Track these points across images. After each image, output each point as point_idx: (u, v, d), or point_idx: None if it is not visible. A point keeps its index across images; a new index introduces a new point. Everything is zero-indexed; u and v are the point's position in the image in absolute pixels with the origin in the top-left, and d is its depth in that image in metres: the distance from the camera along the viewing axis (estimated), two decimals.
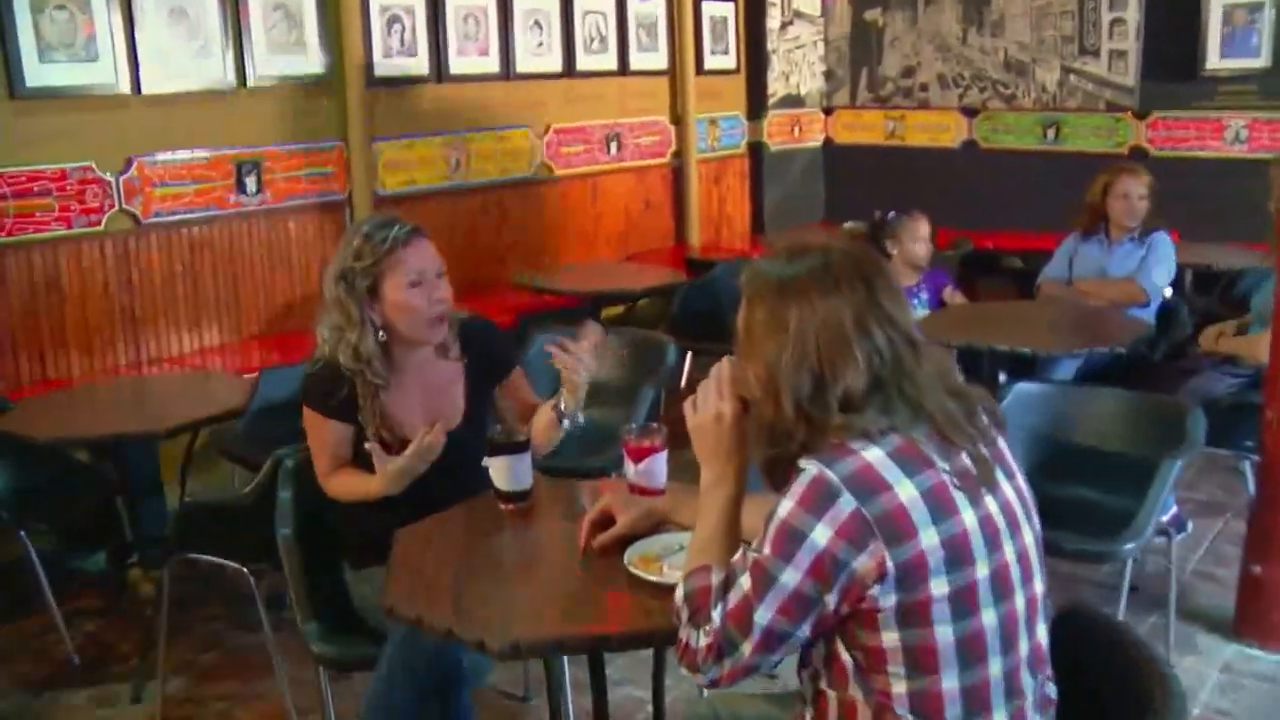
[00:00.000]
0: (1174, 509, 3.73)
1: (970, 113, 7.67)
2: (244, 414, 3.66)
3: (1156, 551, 3.73)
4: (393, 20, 5.55)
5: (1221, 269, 5.72)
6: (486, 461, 2.39)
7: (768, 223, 7.91)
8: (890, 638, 1.57)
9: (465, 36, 5.90)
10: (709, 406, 1.80)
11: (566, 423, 2.62)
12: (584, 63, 6.59)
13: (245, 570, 3.03)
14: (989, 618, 1.58)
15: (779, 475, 1.66)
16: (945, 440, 1.62)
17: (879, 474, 1.55)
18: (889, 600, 1.55)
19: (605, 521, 2.16)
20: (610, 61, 6.78)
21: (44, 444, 3.45)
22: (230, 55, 4.92)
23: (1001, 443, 1.73)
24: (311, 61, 5.22)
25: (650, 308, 6.25)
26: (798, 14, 7.93)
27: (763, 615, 1.59)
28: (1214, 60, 6.62)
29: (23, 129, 4.35)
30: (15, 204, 4.34)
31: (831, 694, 1.65)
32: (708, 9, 7.37)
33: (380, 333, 2.61)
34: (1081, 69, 7.18)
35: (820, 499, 1.55)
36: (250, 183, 5.04)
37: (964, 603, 1.56)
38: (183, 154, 4.83)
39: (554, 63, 6.42)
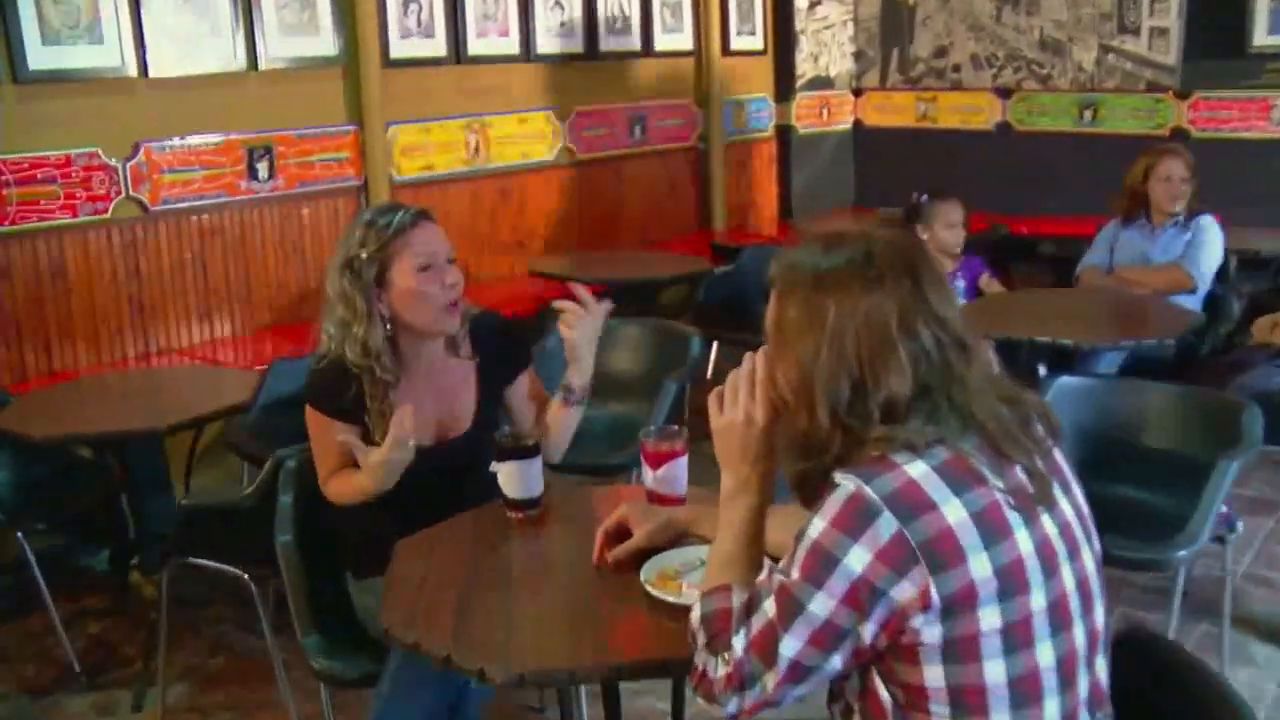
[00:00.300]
0: (1223, 508, 3.53)
1: (1004, 94, 7.45)
2: (250, 409, 3.51)
3: (1205, 554, 3.53)
4: (409, 0, 5.39)
5: (1269, 255, 5.50)
6: (494, 466, 2.24)
7: (795, 208, 7.72)
8: (934, 674, 1.40)
9: (484, 16, 5.73)
10: (739, 407, 1.63)
11: (576, 405, 2.55)
12: (607, 43, 6.42)
13: (245, 576, 2.88)
14: (1045, 654, 1.41)
15: (810, 490, 1.50)
16: (998, 453, 1.45)
17: (924, 492, 1.38)
18: (933, 633, 1.38)
19: (621, 533, 2.00)
20: (634, 42, 6.61)
21: (40, 442, 3.32)
22: (241, 36, 4.77)
23: (1058, 454, 1.55)
24: (325, 42, 5.07)
25: (674, 295, 6.09)
26: None
27: (789, 646, 1.43)
28: (1261, 37, 6.37)
29: (25, 114, 4.22)
30: (18, 191, 4.20)
31: None
32: None
33: (388, 325, 2.46)
34: (1120, 47, 6.95)
35: (857, 519, 1.38)
36: (262, 168, 4.91)
37: (1017, 637, 1.39)
38: (192, 139, 4.69)
39: (576, 43, 6.25)
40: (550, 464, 2.48)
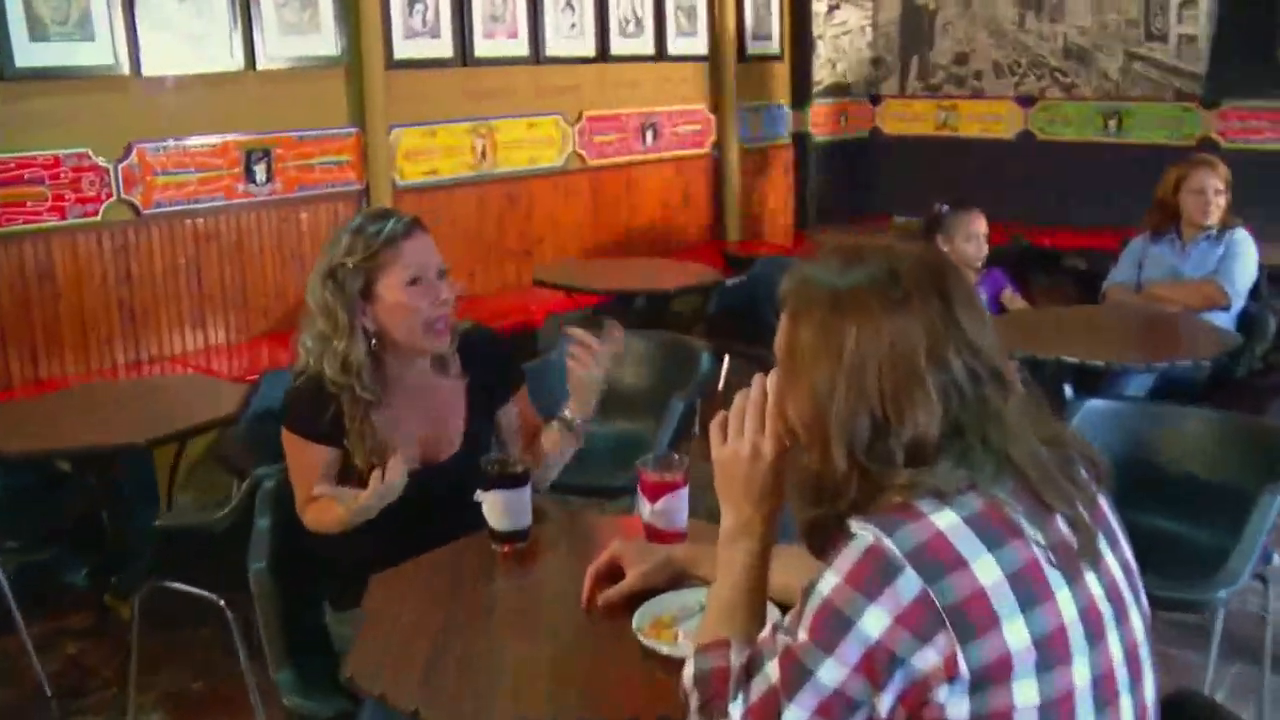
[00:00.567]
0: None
1: (1026, 102, 7.29)
2: (236, 422, 3.35)
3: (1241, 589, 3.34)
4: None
5: None
6: (479, 496, 2.07)
7: (811, 218, 7.55)
8: None
9: (492, 17, 5.58)
10: (745, 438, 1.45)
11: (574, 436, 2.37)
12: (619, 46, 6.26)
13: (222, 603, 2.71)
14: None
15: (821, 539, 1.32)
16: (1037, 501, 1.27)
17: (953, 546, 1.20)
18: (959, 709, 1.20)
19: (613, 572, 1.83)
20: (647, 45, 6.45)
21: (13, 457, 3.16)
22: (239, 34, 4.63)
23: (1103, 501, 1.37)
24: (326, 42, 4.93)
25: (685, 306, 5.92)
26: None
27: (794, 717, 1.25)
28: None
29: (12, 113, 4.08)
30: (4, 193, 4.07)
31: None
32: None
33: (372, 341, 2.29)
34: (1147, 55, 6.76)
35: (875, 576, 1.21)
36: (259, 171, 4.76)
37: (1057, 715, 1.21)
38: (187, 140, 4.55)
39: (587, 46, 6.10)
40: (539, 490, 2.31)
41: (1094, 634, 1.24)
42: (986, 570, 1.20)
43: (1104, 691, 1.24)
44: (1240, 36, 6.34)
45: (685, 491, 1.97)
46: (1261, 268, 4.55)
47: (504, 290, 5.71)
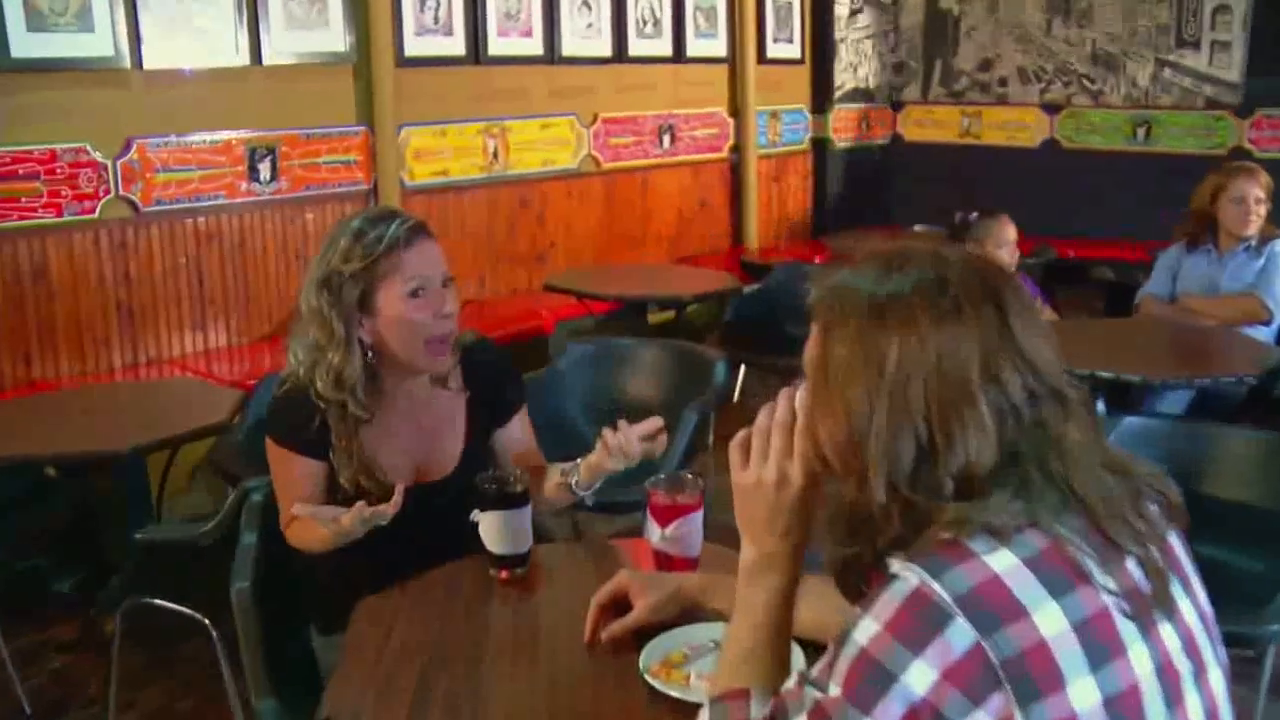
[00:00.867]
0: None
1: (1052, 109, 7.13)
2: (229, 429, 3.21)
3: None
4: None
5: None
6: (475, 516, 1.91)
7: (830, 226, 7.39)
8: None
9: (506, 15, 5.45)
10: (771, 464, 1.29)
11: (569, 493, 2.16)
12: (636, 47, 6.13)
13: (206, 621, 2.56)
14: None
15: (855, 580, 1.16)
16: (1105, 540, 1.10)
17: (1011, 592, 1.04)
18: None
19: (619, 604, 1.67)
20: (665, 47, 6.31)
21: None
22: (244, 28, 4.50)
23: (1174, 539, 1.21)
24: (334, 37, 4.79)
25: (700, 314, 5.77)
26: (867, 0, 7.39)
27: None
28: None
29: (8, 105, 3.96)
30: None
31: None
32: None
33: (369, 355, 2.13)
34: (1178, 62, 6.59)
35: (921, 625, 1.04)
36: (264, 170, 4.63)
37: None
38: (189, 136, 4.42)
39: (603, 46, 5.96)
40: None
41: (1172, 695, 1.08)
42: (1050, 621, 1.03)
43: None
44: (1277, 43, 6.16)
45: (700, 515, 1.81)
46: None
47: (514, 295, 5.56)
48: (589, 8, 5.83)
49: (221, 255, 4.57)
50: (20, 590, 3.47)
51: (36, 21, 3.93)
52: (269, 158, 4.64)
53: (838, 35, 7.23)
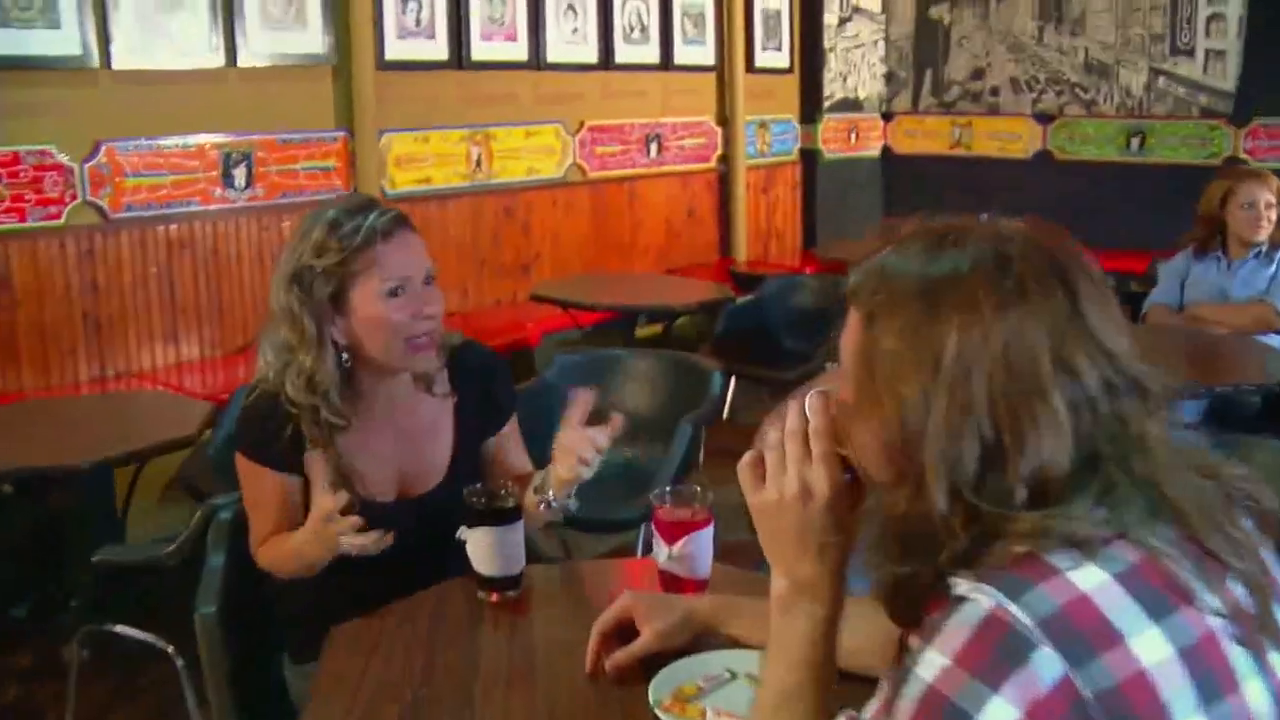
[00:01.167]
0: None
1: (1045, 119, 7.05)
2: (195, 444, 3.03)
3: None
4: None
5: None
6: (463, 533, 1.75)
7: (819, 238, 7.28)
8: None
9: (490, 19, 5.31)
10: (791, 476, 1.12)
11: (547, 509, 1.94)
12: (623, 54, 6.01)
13: (170, 650, 2.38)
14: None
15: (910, 604, 1.00)
16: (1203, 553, 0.95)
17: (1103, 614, 0.89)
18: None
19: (624, 630, 1.50)
20: (652, 54, 6.20)
21: None
22: (219, 29, 4.35)
23: (1265, 553, 1.05)
24: (313, 39, 4.65)
25: (690, 327, 5.62)
26: (857, 9, 7.31)
27: None
28: None
29: None
30: None
31: None
32: (760, 0, 6.74)
33: (344, 356, 1.96)
34: (1172, 71, 6.50)
35: (999, 655, 0.89)
36: (239, 175, 4.48)
37: None
38: (160, 140, 4.26)
39: (589, 53, 5.84)
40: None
41: None
42: (1152, 647, 0.88)
43: None
44: (1272, 51, 6.08)
45: (710, 532, 1.65)
46: None
47: (499, 307, 5.41)
48: (575, 12, 5.70)
49: (194, 264, 4.41)
50: None
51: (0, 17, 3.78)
52: (244, 163, 4.49)
53: (827, 44, 7.14)
